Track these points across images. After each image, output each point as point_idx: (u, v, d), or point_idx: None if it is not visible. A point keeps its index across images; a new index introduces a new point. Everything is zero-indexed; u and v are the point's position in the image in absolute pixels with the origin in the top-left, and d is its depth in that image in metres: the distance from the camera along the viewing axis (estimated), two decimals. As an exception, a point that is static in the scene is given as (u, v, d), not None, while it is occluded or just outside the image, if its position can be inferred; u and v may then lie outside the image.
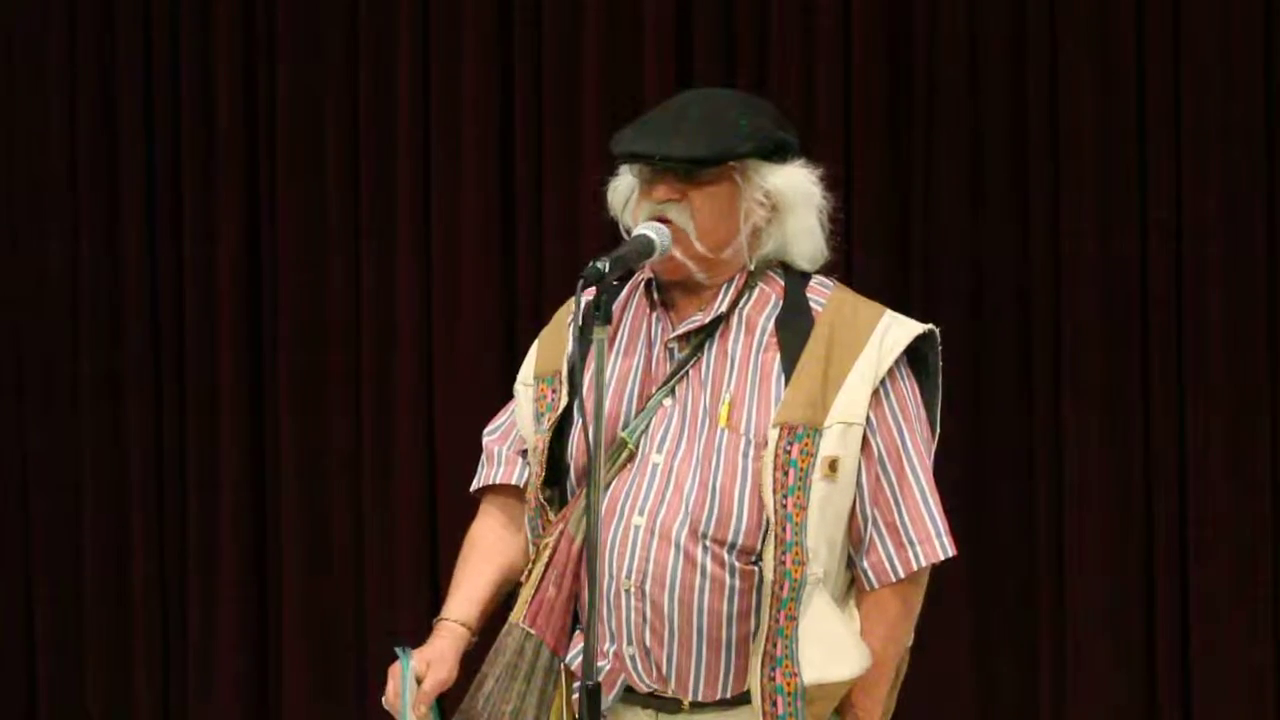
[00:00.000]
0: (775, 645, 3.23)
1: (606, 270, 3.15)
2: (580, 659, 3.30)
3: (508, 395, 5.54)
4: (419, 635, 5.65)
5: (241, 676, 5.88)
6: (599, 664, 3.29)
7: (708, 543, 3.24)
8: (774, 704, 3.24)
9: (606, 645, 3.29)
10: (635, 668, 3.29)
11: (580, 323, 3.16)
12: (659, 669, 3.27)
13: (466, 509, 5.40)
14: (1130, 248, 5.39)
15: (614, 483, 3.29)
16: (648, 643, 3.26)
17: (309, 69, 5.83)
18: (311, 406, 5.83)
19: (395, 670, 3.36)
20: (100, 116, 5.94)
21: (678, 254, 3.30)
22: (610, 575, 3.26)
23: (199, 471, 5.90)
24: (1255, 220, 5.35)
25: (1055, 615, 5.42)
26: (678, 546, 3.23)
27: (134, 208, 5.92)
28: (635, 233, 3.29)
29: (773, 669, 3.24)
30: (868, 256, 5.35)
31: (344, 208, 5.82)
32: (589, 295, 3.14)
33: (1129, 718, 5.39)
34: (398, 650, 3.36)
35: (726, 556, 3.24)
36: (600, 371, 3.13)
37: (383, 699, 3.36)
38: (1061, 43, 5.41)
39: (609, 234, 3.47)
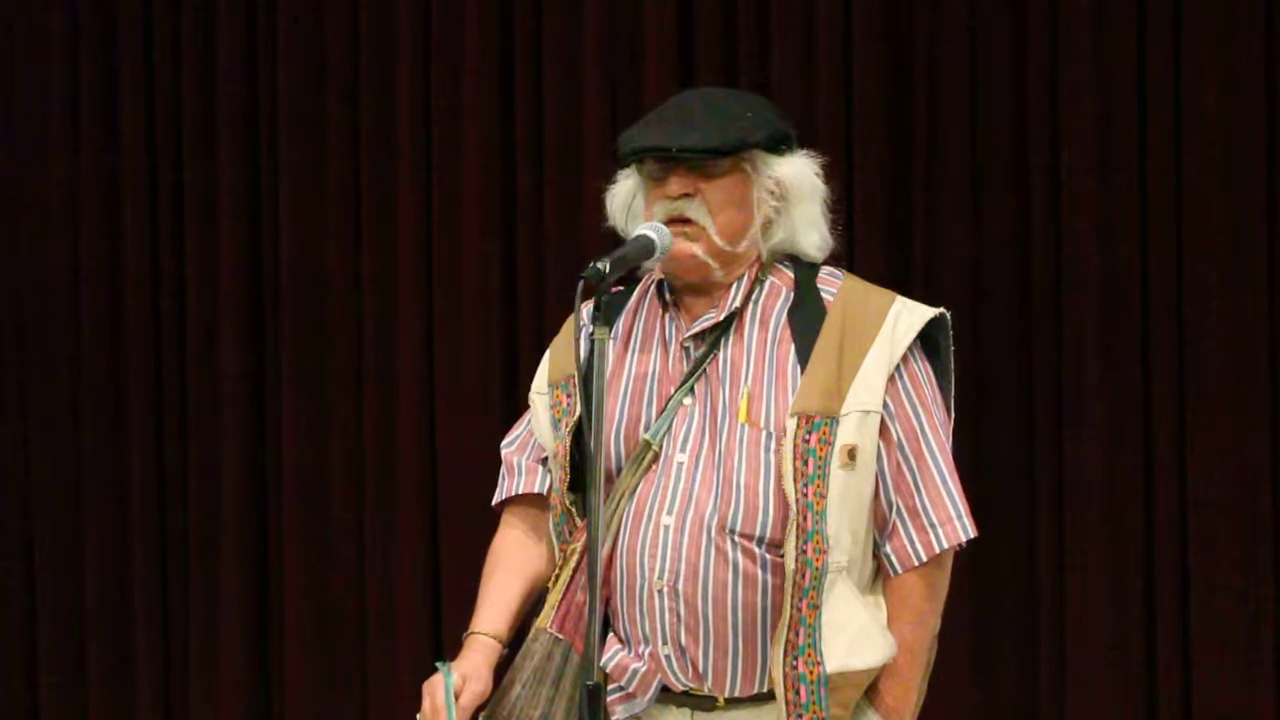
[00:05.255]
0: (798, 634, 3.24)
1: (607, 271, 3.17)
2: (614, 663, 3.32)
3: (509, 397, 5.62)
4: (419, 636, 5.71)
5: (243, 678, 5.89)
6: (634, 666, 3.31)
7: (737, 538, 3.25)
8: (797, 692, 3.25)
9: (641, 647, 3.31)
10: (671, 667, 3.30)
11: (590, 326, 3.17)
12: (695, 667, 3.29)
13: (467, 508, 5.46)
14: (1131, 246, 5.37)
15: (640, 485, 3.31)
16: (683, 642, 3.27)
17: (310, 70, 5.84)
18: (313, 407, 5.84)
19: (431, 687, 3.36)
20: (101, 113, 5.96)
21: (699, 252, 3.32)
22: (642, 576, 3.28)
23: (200, 472, 5.91)
24: (1257, 219, 5.33)
25: (1055, 616, 5.40)
26: (709, 544, 3.25)
27: (136, 208, 5.93)
28: (635, 233, 3.30)
29: (795, 658, 3.24)
30: (868, 255, 5.35)
31: (345, 208, 5.82)
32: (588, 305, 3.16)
33: (1129, 717, 5.36)
34: (439, 666, 3.36)
35: (757, 550, 3.25)
36: (600, 373, 3.15)
37: (418, 716, 3.36)
38: (1062, 40, 5.40)
39: (610, 236, 3.47)
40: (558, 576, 3.39)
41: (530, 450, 3.53)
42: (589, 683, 3.12)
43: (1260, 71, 5.32)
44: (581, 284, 3.15)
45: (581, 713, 3.12)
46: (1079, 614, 5.38)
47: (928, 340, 3.40)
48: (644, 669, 3.31)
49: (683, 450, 3.31)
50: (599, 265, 3.16)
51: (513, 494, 3.53)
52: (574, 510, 3.39)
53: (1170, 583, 5.35)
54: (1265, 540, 5.33)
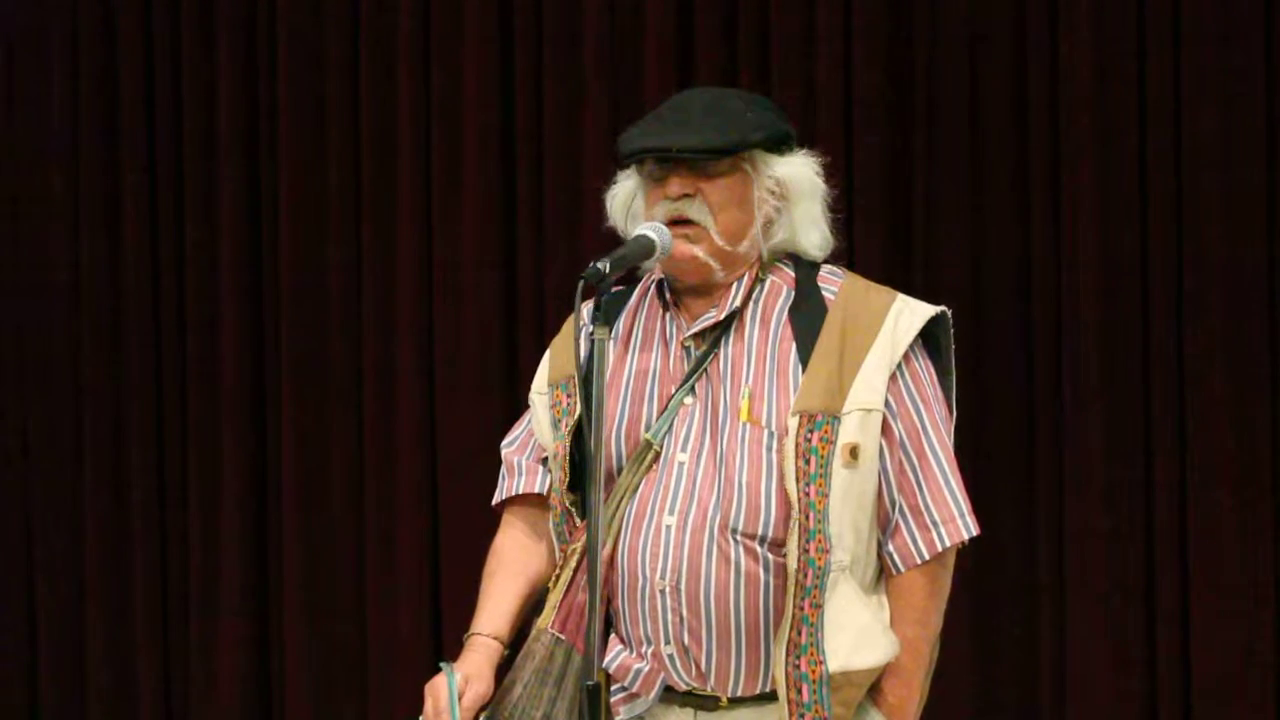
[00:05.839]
0: (800, 633, 3.24)
1: (607, 271, 3.17)
2: (617, 663, 3.32)
3: (509, 397, 5.61)
4: (419, 637, 5.71)
5: (242, 678, 5.89)
6: (637, 666, 3.31)
7: (739, 538, 3.25)
8: (799, 691, 3.25)
9: (644, 648, 3.31)
10: (674, 667, 3.30)
11: (591, 326, 3.17)
12: (698, 667, 3.29)
13: (467, 508, 5.44)
14: (1131, 246, 5.37)
15: (642, 484, 3.31)
16: (685, 642, 3.28)
17: (310, 70, 5.84)
18: (313, 407, 5.84)
19: (433, 688, 3.36)
20: (101, 114, 5.97)
21: (700, 253, 3.32)
22: (644, 576, 3.28)
23: (200, 472, 5.92)
24: (1257, 216, 5.32)
25: (1055, 616, 5.40)
26: (711, 544, 3.25)
27: (136, 208, 5.94)
28: (635, 233, 3.30)
29: (798, 657, 3.24)
30: (868, 255, 5.35)
31: (345, 206, 5.83)
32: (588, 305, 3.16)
33: (1129, 717, 5.36)
34: (443, 666, 3.36)
35: (759, 550, 3.25)
36: (600, 373, 3.15)
37: (421, 717, 3.36)
38: (1062, 40, 5.39)
39: (610, 236, 3.47)
40: (558, 577, 3.40)
41: (530, 450, 3.53)
42: (589, 683, 3.12)
43: (1261, 70, 5.32)
44: (581, 284, 3.16)
45: (582, 713, 3.12)
46: (1079, 614, 5.38)
47: (929, 338, 3.40)
48: (647, 669, 3.31)
49: (684, 450, 3.31)
50: (599, 265, 3.16)
51: (513, 494, 3.52)
52: (574, 510, 3.39)
53: (1170, 582, 5.35)
54: (1265, 540, 5.32)
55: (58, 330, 6.00)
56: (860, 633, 3.27)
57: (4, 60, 6.03)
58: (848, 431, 3.27)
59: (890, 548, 3.33)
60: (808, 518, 3.23)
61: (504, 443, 3.58)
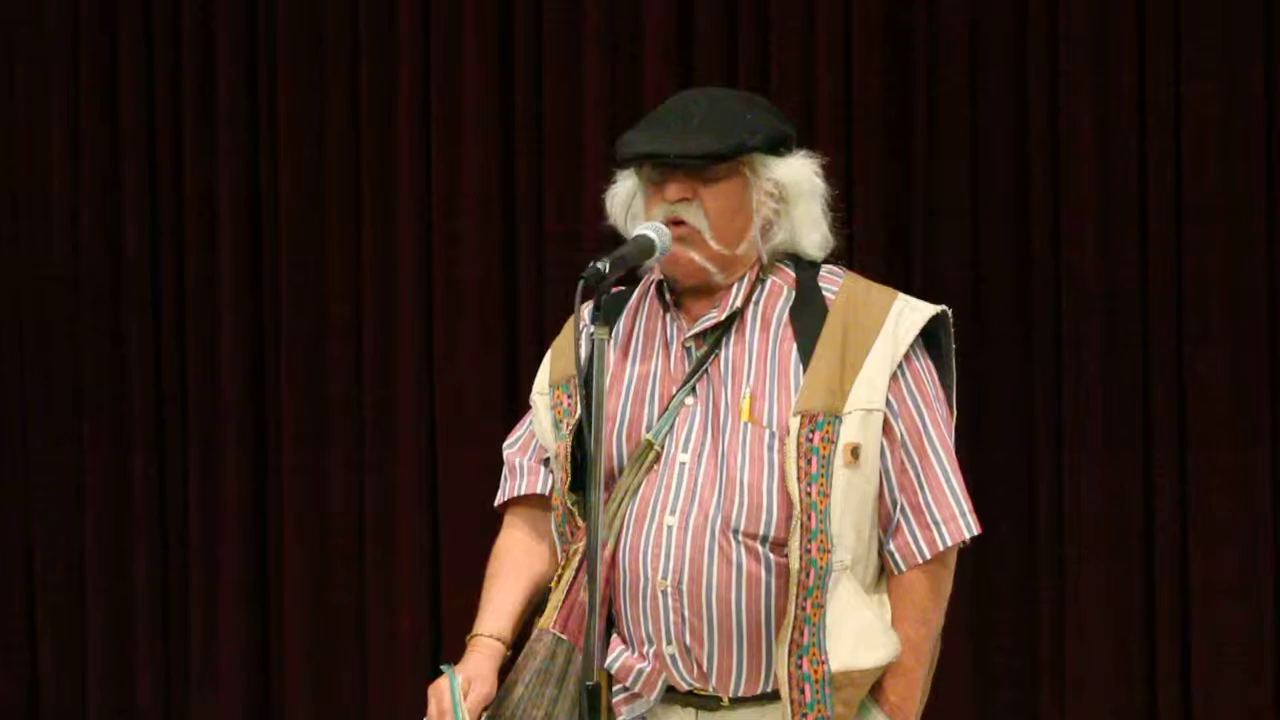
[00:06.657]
0: (802, 633, 3.24)
1: (606, 270, 3.17)
2: (619, 663, 3.32)
3: (509, 398, 5.61)
4: (420, 638, 5.71)
5: (242, 680, 5.89)
6: (639, 666, 3.32)
7: (741, 538, 3.26)
8: (802, 691, 3.25)
9: (645, 648, 3.31)
10: (676, 667, 3.30)
11: (591, 326, 3.17)
12: (699, 667, 3.29)
13: (468, 509, 5.44)
14: (1130, 247, 5.37)
15: (643, 485, 3.31)
16: (687, 642, 3.28)
17: (310, 70, 5.84)
18: (313, 406, 5.84)
19: (437, 690, 3.36)
20: (101, 113, 5.97)
21: (696, 257, 3.32)
22: (645, 577, 3.28)
23: (200, 471, 5.92)
24: (1256, 219, 5.32)
25: (1055, 615, 5.40)
26: (712, 544, 3.25)
27: (136, 208, 5.94)
28: (635, 233, 3.30)
29: (800, 656, 3.24)
30: (868, 257, 5.34)
31: (345, 207, 5.83)
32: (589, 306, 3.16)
33: (1129, 717, 5.36)
34: (444, 669, 3.36)
35: (761, 550, 3.25)
36: (600, 373, 3.15)
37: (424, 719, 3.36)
38: (1062, 41, 5.40)
39: (610, 236, 3.47)
40: (560, 577, 3.40)
41: (532, 451, 3.53)
42: (588, 683, 3.12)
43: (1260, 70, 5.32)
44: (581, 284, 3.16)
45: (581, 713, 3.13)
46: (1079, 614, 5.38)
47: (929, 338, 3.41)
48: (649, 669, 3.31)
49: (685, 450, 3.31)
50: (599, 265, 3.16)
51: (515, 495, 3.53)
52: (575, 511, 3.39)
53: (1170, 583, 5.35)
54: (1265, 540, 5.33)
55: (58, 329, 6.00)
56: (862, 632, 3.27)
57: (4, 60, 6.03)
58: (849, 431, 3.27)
59: (891, 547, 3.33)
60: (809, 518, 3.23)
61: (506, 443, 3.58)
